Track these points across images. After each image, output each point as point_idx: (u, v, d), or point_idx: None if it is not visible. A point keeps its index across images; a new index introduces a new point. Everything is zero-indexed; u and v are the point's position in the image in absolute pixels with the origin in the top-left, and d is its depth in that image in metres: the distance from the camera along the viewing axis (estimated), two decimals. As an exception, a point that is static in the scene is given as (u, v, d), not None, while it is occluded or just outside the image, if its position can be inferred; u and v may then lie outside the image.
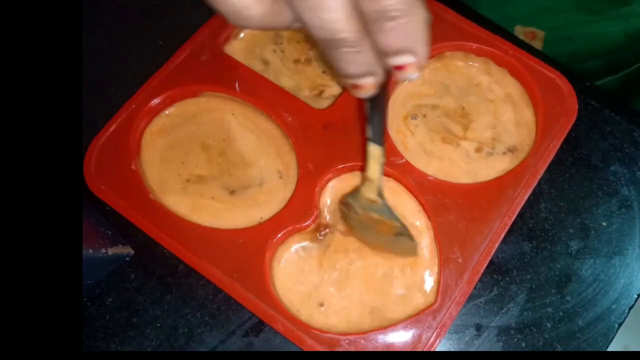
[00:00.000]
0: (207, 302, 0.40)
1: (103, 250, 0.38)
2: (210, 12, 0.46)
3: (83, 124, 0.43)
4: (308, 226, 0.40)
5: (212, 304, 0.40)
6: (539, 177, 0.41)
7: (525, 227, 0.43)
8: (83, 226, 0.36)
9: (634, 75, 0.54)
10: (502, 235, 0.39)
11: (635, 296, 0.41)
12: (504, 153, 0.43)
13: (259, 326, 0.40)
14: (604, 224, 0.43)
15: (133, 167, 0.41)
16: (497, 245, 0.39)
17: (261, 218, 0.41)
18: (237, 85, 0.43)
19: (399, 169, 0.41)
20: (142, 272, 0.41)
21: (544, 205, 0.43)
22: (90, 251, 0.37)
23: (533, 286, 0.41)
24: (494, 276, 0.42)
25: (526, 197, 0.40)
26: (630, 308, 0.41)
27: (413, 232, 0.40)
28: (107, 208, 0.40)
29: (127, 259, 0.41)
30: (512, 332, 0.40)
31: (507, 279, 0.42)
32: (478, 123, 0.45)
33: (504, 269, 0.42)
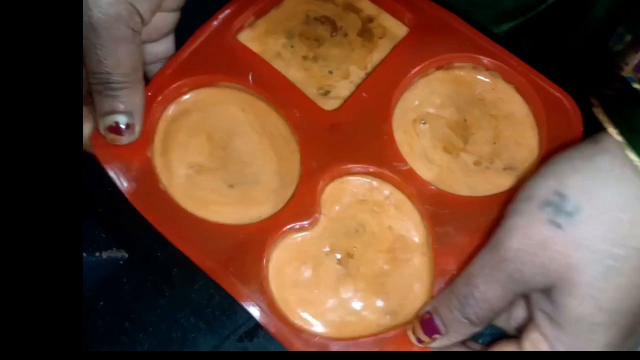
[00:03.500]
0: (201, 307, 0.40)
1: (97, 254, 0.38)
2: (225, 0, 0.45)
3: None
4: (308, 225, 0.39)
5: (206, 308, 0.40)
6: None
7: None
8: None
9: (543, 16, 0.53)
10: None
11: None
12: (503, 169, 0.44)
13: (253, 331, 0.40)
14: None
15: (148, 154, 0.40)
16: (492, 259, 0.39)
17: (260, 216, 0.40)
18: (250, 76, 0.43)
19: (402, 175, 0.41)
20: (136, 276, 0.41)
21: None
22: (85, 254, 0.37)
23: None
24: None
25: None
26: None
27: (412, 248, 0.40)
28: (100, 210, 0.39)
29: (121, 262, 0.41)
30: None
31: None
32: (478, 137, 0.45)
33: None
